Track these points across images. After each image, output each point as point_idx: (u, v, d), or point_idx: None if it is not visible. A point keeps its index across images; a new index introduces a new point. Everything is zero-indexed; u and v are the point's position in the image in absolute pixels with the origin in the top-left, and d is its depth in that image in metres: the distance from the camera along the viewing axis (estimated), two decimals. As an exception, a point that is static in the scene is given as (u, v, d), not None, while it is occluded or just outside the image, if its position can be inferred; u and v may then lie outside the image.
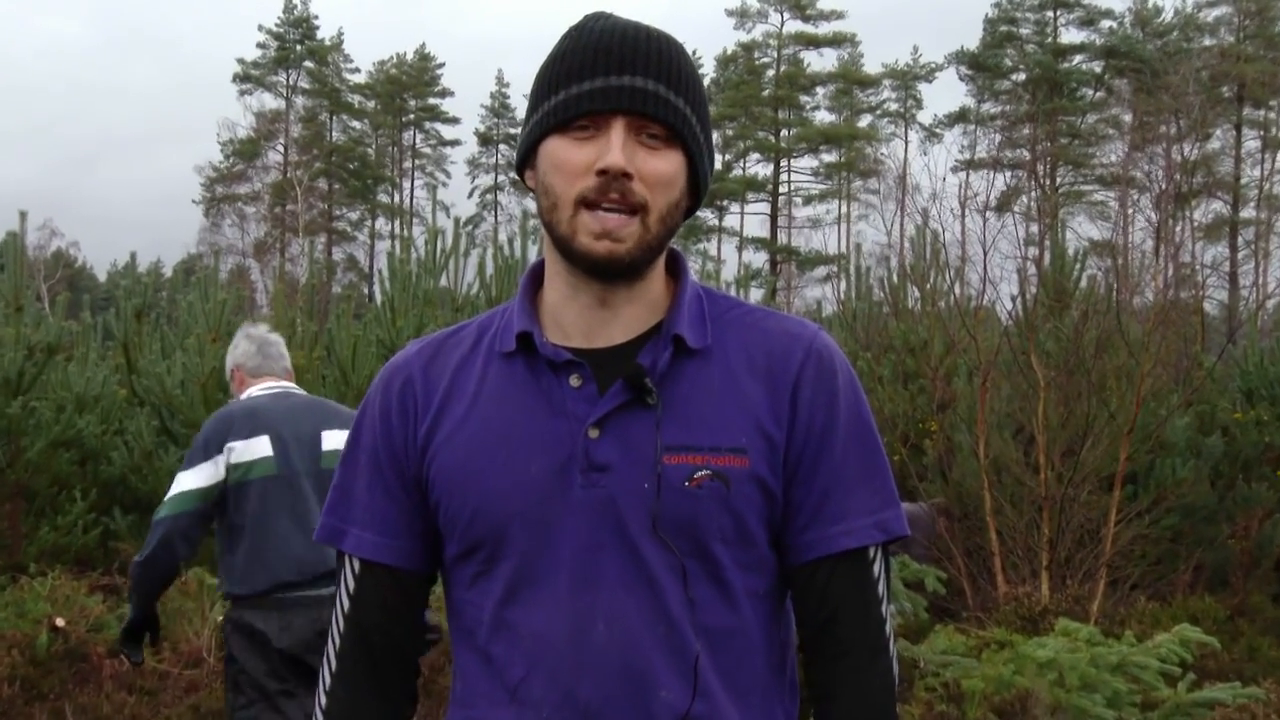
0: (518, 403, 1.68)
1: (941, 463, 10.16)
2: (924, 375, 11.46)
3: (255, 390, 4.80)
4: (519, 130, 1.82)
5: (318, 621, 4.42)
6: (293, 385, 4.89)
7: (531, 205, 1.74)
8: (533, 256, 11.09)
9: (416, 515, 1.75)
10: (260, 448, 4.54)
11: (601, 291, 1.67)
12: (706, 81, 62.38)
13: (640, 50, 1.63)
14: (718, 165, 58.39)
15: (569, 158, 1.62)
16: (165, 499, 4.49)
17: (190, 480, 4.47)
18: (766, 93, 58.89)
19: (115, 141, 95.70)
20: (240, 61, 62.06)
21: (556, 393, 1.66)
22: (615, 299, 1.68)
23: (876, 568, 1.72)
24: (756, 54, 59.62)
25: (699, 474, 1.62)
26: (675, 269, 1.78)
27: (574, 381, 1.66)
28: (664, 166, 1.63)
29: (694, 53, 63.13)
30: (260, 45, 62.26)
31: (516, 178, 1.95)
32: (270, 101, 62.06)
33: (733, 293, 12.08)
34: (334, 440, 4.64)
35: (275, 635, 4.42)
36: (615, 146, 1.59)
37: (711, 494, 1.62)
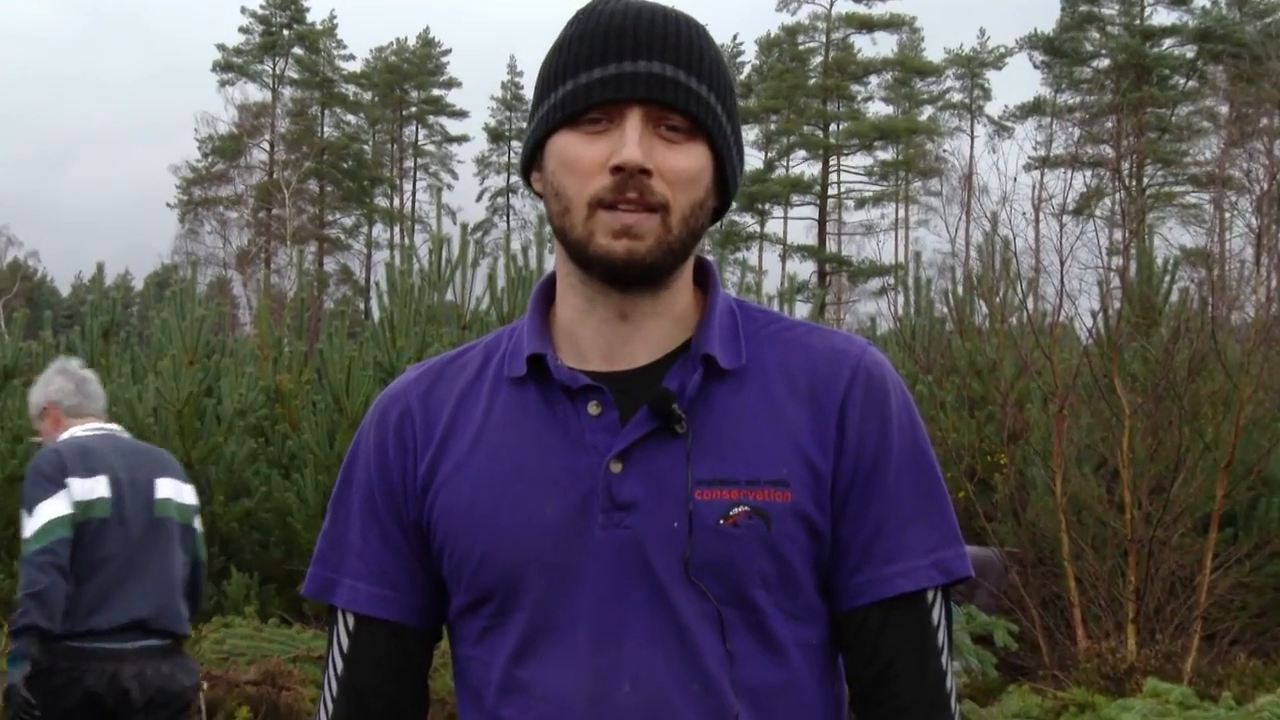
0: (530, 434, 1.68)
1: (1013, 501, 10.12)
2: (992, 401, 11.43)
3: (78, 430, 4.97)
4: (526, 127, 1.80)
5: (116, 677, 4.66)
6: (116, 427, 5.11)
7: (550, 209, 1.73)
8: (550, 267, 11.17)
9: (418, 564, 1.74)
10: (98, 488, 4.74)
11: (621, 303, 1.67)
12: (746, 69, 62.68)
13: (657, 32, 1.64)
14: (759, 163, 59.02)
15: (580, 154, 1.62)
16: (30, 535, 4.62)
17: (52, 509, 4.64)
18: (814, 82, 59.00)
19: (83, 138, 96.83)
20: (221, 48, 62.41)
21: (573, 422, 1.66)
22: (637, 312, 1.68)
23: (936, 614, 1.70)
24: (802, 38, 59.79)
25: (736, 510, 1.61)
26: (704, 280, 1.77)
27: (593, 409, 1.65)
28: (686, 162, 1.63)
29: (733, 38, 63.51)
30: (243, 30, 62.68)
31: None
32: (255, 93, 62.50)
33: (776, 308, 12.09)
34: (168, 489, 4.91)
35: (68, 684, 4.62)
36: (631, 140, 1.59)
37: (750, 533, 1.61)
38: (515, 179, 63.97)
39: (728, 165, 1.69)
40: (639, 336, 1.69)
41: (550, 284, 1.79)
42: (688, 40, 1.65)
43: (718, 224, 1.98)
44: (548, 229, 12.54)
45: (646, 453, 1.63)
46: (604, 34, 1.64)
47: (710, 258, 1.82)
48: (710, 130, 1.65)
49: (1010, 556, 9.50)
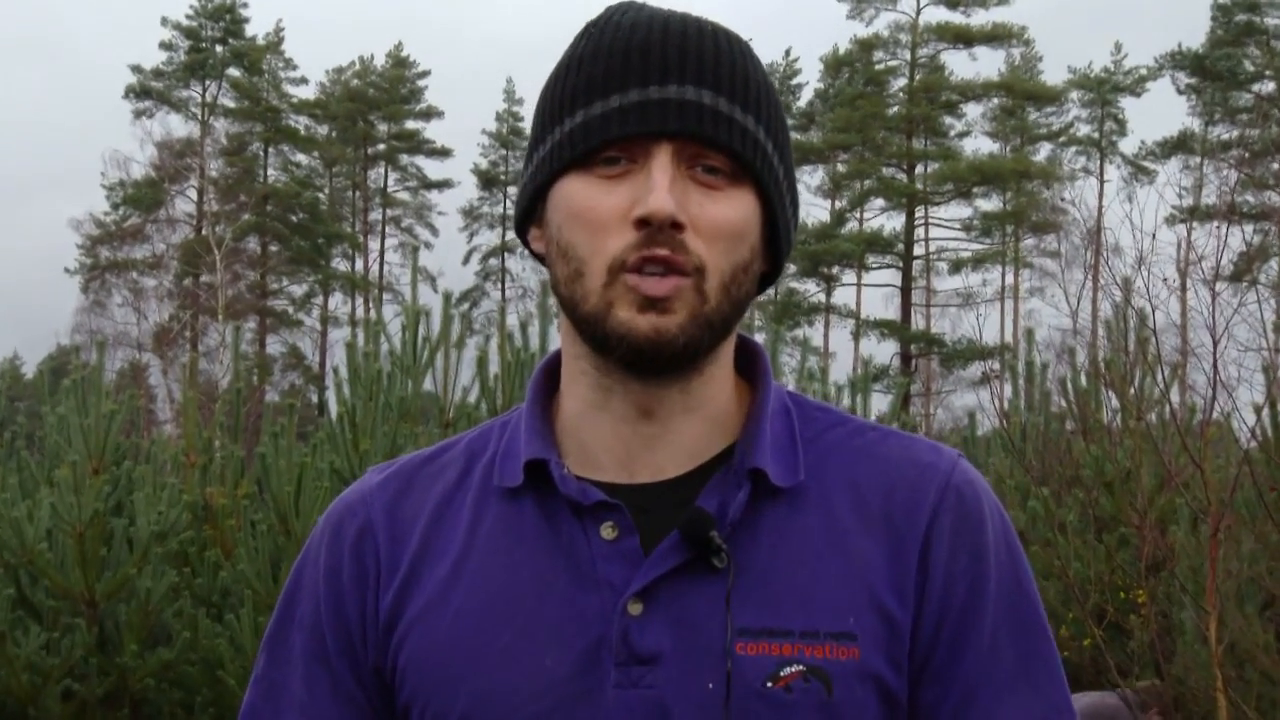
0: (526, 563, 1.67)
1: (1154, 649, 10.06)
2: (1127, 521, 11.39)
3: None
4: (521, 171, 1.82)
5: None
6: None
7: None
8: (557, 347, 11.18)
9: (376, 721, 1.75)
10: None
11: (644, 396, 1.67)
12: (806, 94, 62.99)
13: (691, 50, 1.63)
14: (824, 214, 59.06)
15: (594, 204, 1.62)
16: None
17: None
18: (895, 111, 59.25)
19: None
20: (136, 70, 62.63)
21: (582, 549, 1.66)
22: (664, 408, 1.68)
23: None
24: (880, 54, 60.15)
25: (788, 670, 1.60)
26: (751, 368, 1.78)
27: (607, 533, 1.65)
28: (728, 213, 1.63)
29: (786, 53, 63.74)
30: (165, 45, 62.96)
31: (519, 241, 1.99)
32: (178, 126, 62.92)
33: (846, 399, 12.11)
34: None
35: None
36: (660, 185, 1.59)
37: (806, 699, 1.60)
38: (512, 236, 63.97)
39: (779, 218, 1.70)
40: (666, 440, 1.69)
41: (553, 368, 1.80)
42: (729, 60, 1.64)
43: (767, 293, 1.98)
44: (553, 299, 12.61)
45: (675, 592, 1.62)
46: (623, 52, 1.63)
47: (759, 338, 1.83)
48: (759, 173, 1.65)
49: (1145, 700, 9.43)
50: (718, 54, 1.64)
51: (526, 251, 1.80)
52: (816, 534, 1.66)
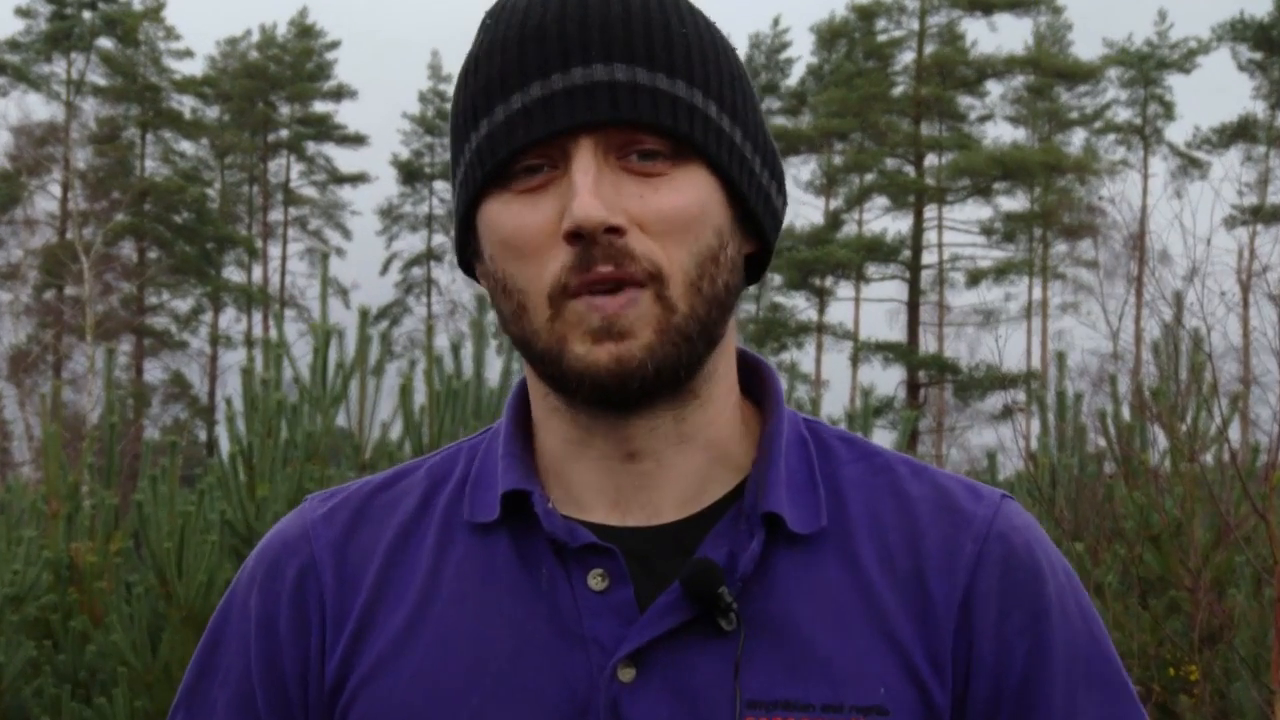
0: (498, 613, 1.68)
1: (1210, 735, 10.11)
2: (1177, 583, 11.44)
3: None
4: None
5: None
6: None
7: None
8: (496, 375, 11.14)
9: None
10: None
11: (629, 433, 1.68)
12: (796, 71, 62.95)
13: (593, 21, 1.63)
14: (817, 214, 58.96)
15: (519, 225, 1.63)
16: None
17: None
18: (901, 90, 59.33)
19: None
20: (-13, 41, 62.51)
21: (566, 599, 1.66)
22: (655, 443, 1.69)
23: None
24: (884, 23, 60.22)
25: (807, 751, 1.62)
26: (758, 389, 1.79)
27: (595, 582, 1.66)
28: (674, 200, 1.63)
29: (775, 22, 63.83)
30: (22, 12, 62.80)
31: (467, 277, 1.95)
32: (39, 108, 62.79)
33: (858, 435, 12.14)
34: None
35: None
36: (582, 187, 1.59)
37: None
38: (439, 240, 64.02)
39: (747, 189, 1.69)
40: (661, 479, 1.70)
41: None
42: (643, 21, 1.64)
43: (746, 310, 1.98)
44: (493, 315, 12.57)
45: (674, 656, 1.63)
46: (518, 42, 1.64)
47: (755, 354, 1.83)
48: (705, 146, 1.64)
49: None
50: (628, 16, 1.64)
51: (477, 287, 1.83)
52: (840, 589, 1.67)
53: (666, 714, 1.61)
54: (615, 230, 1.58)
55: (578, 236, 1.58)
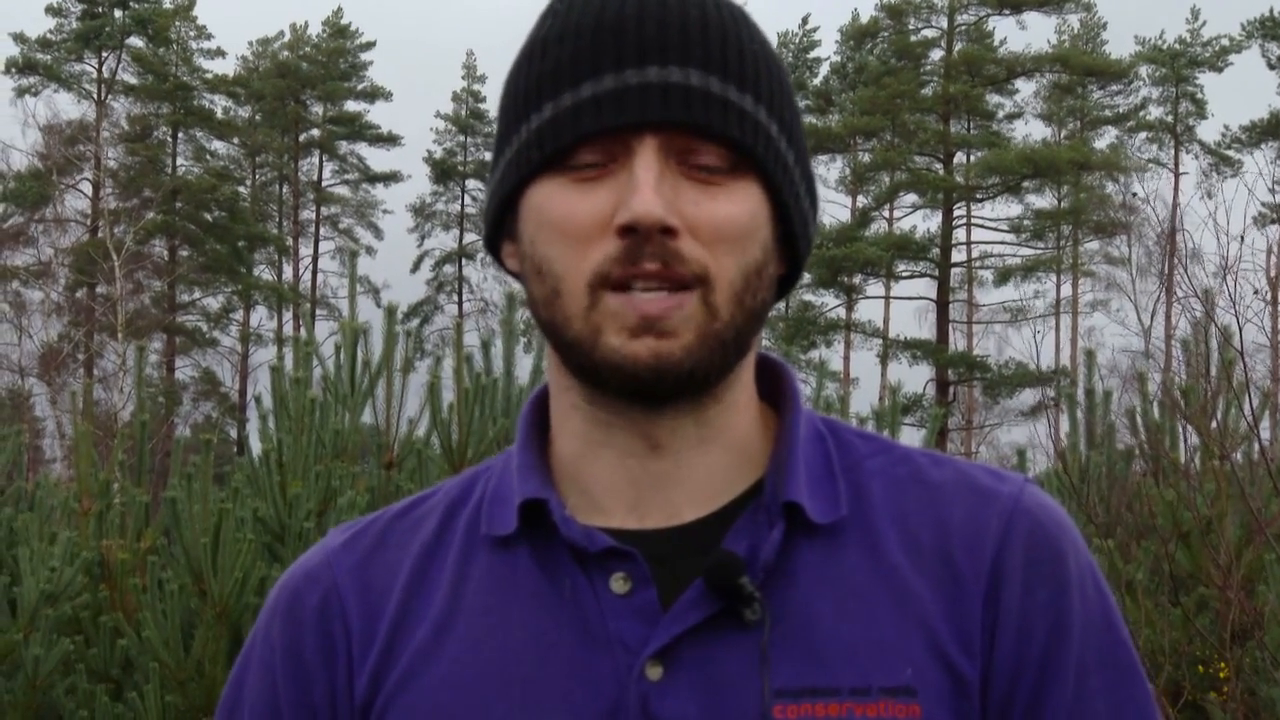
0: (523, 621, 1.69)
1: (1240, 733, 10.09)
2: (1207, 580, 11.41)
3: None
4: (488, 178, 1.82)
5: None
6: None
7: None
8: (526, 373, 11.14)
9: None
10: None
11: (650, 428, 1.69)
12: (823, 70, 62.92)
13: (672, 22, 1.64)
14: (844, 213, 58.85)
15: (570, 211, 1.63)
16: None
17: None
18: (930, 89, 59.23)
19: None
20: (18, 39, 62.49)
21: (590, 604, 1.67)
22: (676, 440, 1.70)
23: None
24: (913, 22, 60.09)
25: (837, 735, 1.63)
26: (775, 390, 1.80)
27: (618, 585, 1.66)
28: (730, 210, 1.63)
29: (803, 21, 63.78)
30: (53, 10, 62.78)
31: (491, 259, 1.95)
32: (69, 107, 62.75)
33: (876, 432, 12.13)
34: None
35: None
36: (644, 184, 1.59)
37: None
38: (471, 238, 63.98)
39: (793, 212, 1.71)
40: (680, 477, 1.70)
41: (544, 403, 1.80)
42: (720, 30, 1.65)
43: (777, 306, 2.00)
44: (523, 313, 12.51)
45: (701, 650, 1.63)
46: (593, 30, 1.64)
47: (776, 356, 1.84)
48: (762, 162, 1.65)
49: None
50: (705, 24, 1.64)
51: (499, 270, 1.81)
52: (862, 575, 1.67)
53: (696, 709, 1.61)
54: (669, 231, 1.59)
55: (631, 231, 1.59)
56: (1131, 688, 1.71)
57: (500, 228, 1.74)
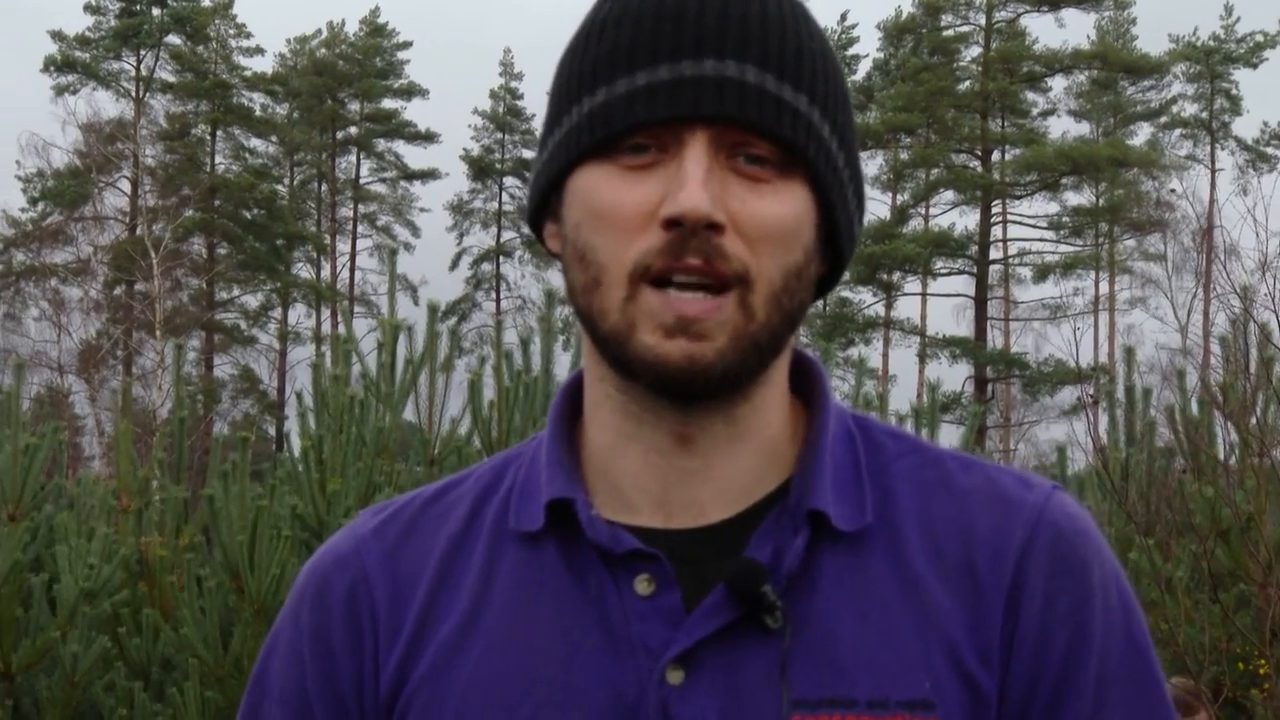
0: (548, 622, 1.68)
1: (1281, 731, 10.05)
2: (1247, 578, 11.37)
3: None
4: (535, 156, 1.81)
5: None
6: None
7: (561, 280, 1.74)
8: (565, 370, 11.10)
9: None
10: None
11: (680, 423, 1.67)
12: (863, 67, 62.89)
13: (732, 15, 1.63)
14: (884, 210, 58.76)
15: (617, 199, 1.62)
16: None
17: None
18: (967, 86, 59.18)
19: None
20: (57, 37, 62.61)
21: (614, 605, 1.66)
22: (705, 437, 1.68)
23: None
24: (950, 19, 60.07)
25: (854, 747, 1.62)
26: (806, 387, 1.79)
27: (642, 587, 1.66)
28: (776, 210, 1.62)
29: (842, 18, 63.75)
30: (91, 8, 62.90)
31: (533, 237, 1.97)
32: (108, 105, 62.83)
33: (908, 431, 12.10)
34: None
35: None
36: (693, 178, 1.58)
37: None
38: (509, 235, 64.03)
39: (839, 214, 1.70)
40: (708, 475, 1.69)
41: (578, 390, 1.79)
42: (779, 26, 1.64)
43: (815, 304, 1.98)
44: (562, 310, 12.49)
45: (722, 657, 1.63)
46: (653, 17, 1.63)
47: (812, 352, 1.82)
48: (812, 162, 1.64)
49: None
50: (765, 20, 1.63)
51: (542, 248, 1.80)
52: (885, 585, 1.66)
53: (715, 715, 1.61)
54: (715, 227, 1.58)
55: (676, 224, 1.58)
56: (1152, 701, 1.70)
57: (545, 208, 1.74)
